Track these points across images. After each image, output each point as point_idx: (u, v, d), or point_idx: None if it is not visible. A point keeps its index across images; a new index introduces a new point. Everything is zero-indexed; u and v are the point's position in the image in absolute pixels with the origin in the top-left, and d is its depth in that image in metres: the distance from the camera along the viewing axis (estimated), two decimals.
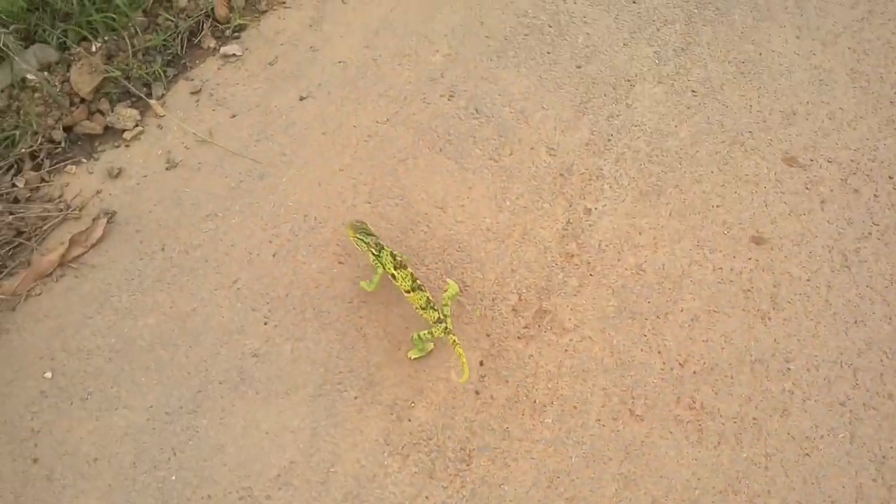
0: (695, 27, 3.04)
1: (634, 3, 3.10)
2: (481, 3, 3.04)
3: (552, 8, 3.04)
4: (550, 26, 3.00)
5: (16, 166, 2.44)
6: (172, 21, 2.77)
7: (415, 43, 2.91)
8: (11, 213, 2.31)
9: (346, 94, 2.75)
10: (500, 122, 2.72)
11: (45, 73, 2.59)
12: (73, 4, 2.62)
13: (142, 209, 2.44)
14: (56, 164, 2.50)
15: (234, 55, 2.83)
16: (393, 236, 2.41)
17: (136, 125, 2.61)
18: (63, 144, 2.54)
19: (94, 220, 2.37)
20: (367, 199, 2.49)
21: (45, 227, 2.31)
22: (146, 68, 2.70)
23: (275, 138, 2.64)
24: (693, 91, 2.86)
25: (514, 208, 2.50)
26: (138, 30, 2.74)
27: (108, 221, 2.36)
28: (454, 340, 2.03)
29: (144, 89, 2.69)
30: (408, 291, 2.10)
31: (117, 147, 2.59)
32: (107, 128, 2.60)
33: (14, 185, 2.39)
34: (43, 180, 2.47)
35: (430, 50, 2.90)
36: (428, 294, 2.09)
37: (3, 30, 2.55)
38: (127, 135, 2.59)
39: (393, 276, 2.12)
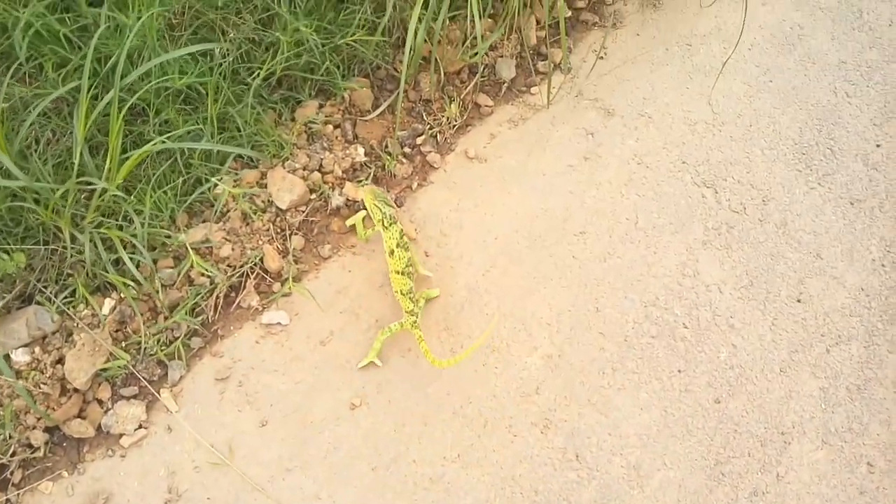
0: (877, 351, 2.30)
1: (799, 301, 2.36)
2: (599, 278, 2.35)
3: (691, 296, 2.33)
4: (686, 325, 2.29)
5: None
6: (210, 275, 2.17)
7: (508, 327, 2.25)
8: None
9: (409, 406, 2.12)
10: (606, 480, 2.05)
11: (34, 352, 2.03)
12: (84, 258, 2.05)
13: None
14: (29, 482, 1.94)
15: (278, 324, 2.22)
16: None
17: (140, 426, 2.03)
18: (42, 451, 1.97)
19: None
20: None
21: None
22: (165, 341, 2.12)
23: (310, 469, 2.02)
24: (870, 464, 2.13)
25: None
26: (163, 283, 2.15)
27: None
28: (420, 336, 2.08)
29: (158, 370, 2.11)
30: (398, 272, 2.14)
31: (111, 456, 2.01)
32: (100, 427, 2.03)
33: None
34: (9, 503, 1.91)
35: (526, 343, 2.24)
36: (412, 284, 2.14)
37: None
38: (125, 440, 2.02)
39: (391, 251, 2.16)
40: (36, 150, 2.15)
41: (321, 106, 2.54)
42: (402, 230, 2.19)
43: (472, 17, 2.46)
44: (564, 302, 2.30)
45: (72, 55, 2.16)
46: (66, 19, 2.23)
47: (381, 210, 2.19)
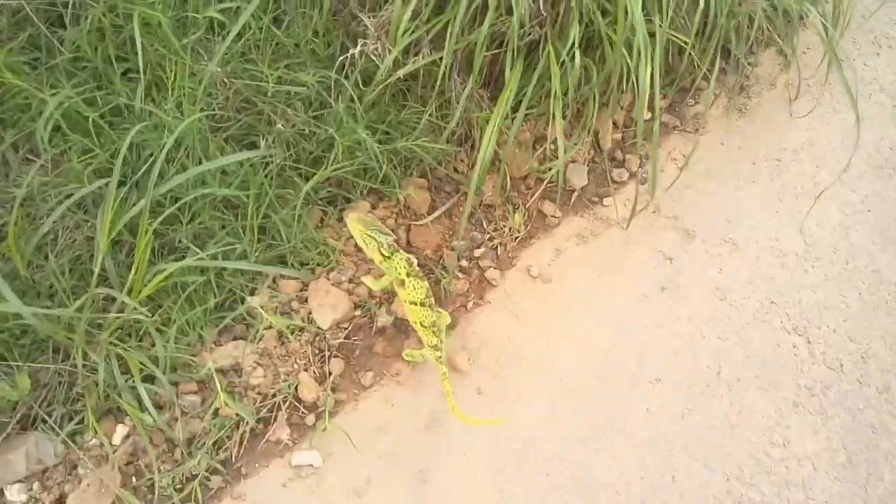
0: None
1: None
2: (676, 439, 2.06)
3: (780, 471, 2.03)
4: None
5: None
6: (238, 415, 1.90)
7: (570, 491, 1.95)
8: None
9: None
10: None
11: (32, 489, 1.75)
12: (96, 379, 1.77)
13: None
14: None
15: (309, 465, 1.93)
16: None
17: None
18: None
19: None
20: None
21: None
22: (181, 479, 1.84)
23: None
24: None
25: None
26: (184, 411, 1.87)
27: None
28: (444, 374, 1.90)
29: None
30: (414, 304, 1.94)
31: None
32: None
33: None
34: None
35: None
36: (435, 315, 1.95)
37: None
38: None
39: (402, 282, 1.95)
40: (52, 245, 1.88)
41: (373, 207, 2.28)
42: (408, 258, 1.95)
43: (553, 120, 2.20)
44: (634, 465, 2.00)
45: (99, 148, 1.90)
46: (98, 98, 1.99)
47: (375, 240, 1.96)
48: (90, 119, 1.89)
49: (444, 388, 1.91)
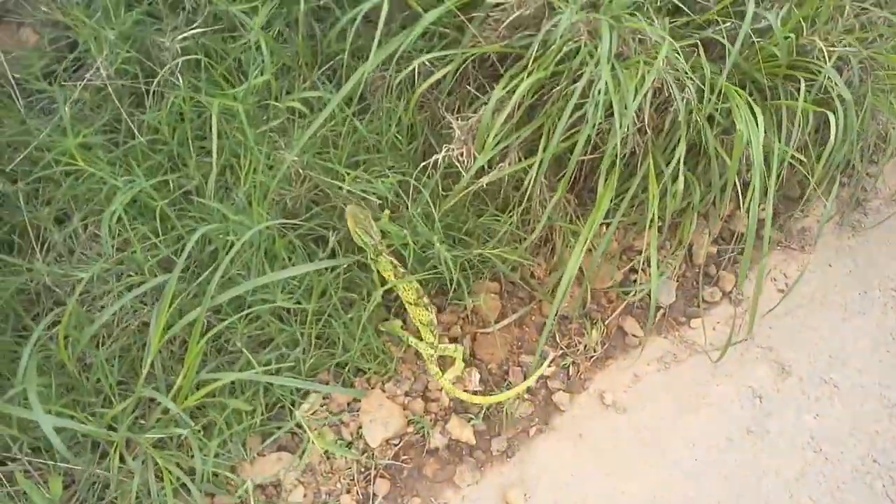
0: None
1: None
2: None
3: None
4: None
5: None
6: None
7: None
8: None
9: None
10: None
11: None
12: (130, 486, 1.68)
13: None
14: None
15: None
16: None
17: None
18: None
19: None
20: None
21: None
22: None
23: None
24: None
25: None
26: None
27: None
28: (437, 373, 1.96)
29: None
30: (409, 303, 1.97)
31: None
32: None
33: None
34: None
35: None
36: (433, 315, 1.98)
37: None
38: None
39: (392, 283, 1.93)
40: (105, 334, 1.82)
41: (440, 310, 2.13)
42: (392, 262, 1.92)
43: (646, 230, 2.00)
44: None
45: (164, 239, 1.83)
46: (170, 182, 1.92)
47: (361, 238, 1.91)
48: (158, 207, 1.81)
49: (430, 370, 1.97)
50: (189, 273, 1.84)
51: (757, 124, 1.71)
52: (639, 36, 1.81)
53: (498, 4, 1.92)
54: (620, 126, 1.66)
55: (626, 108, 1.74)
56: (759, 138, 1.71)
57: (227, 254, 1.70)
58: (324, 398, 1.94)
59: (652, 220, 1.94)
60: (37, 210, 1.86)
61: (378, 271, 1.95)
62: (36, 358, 1.61)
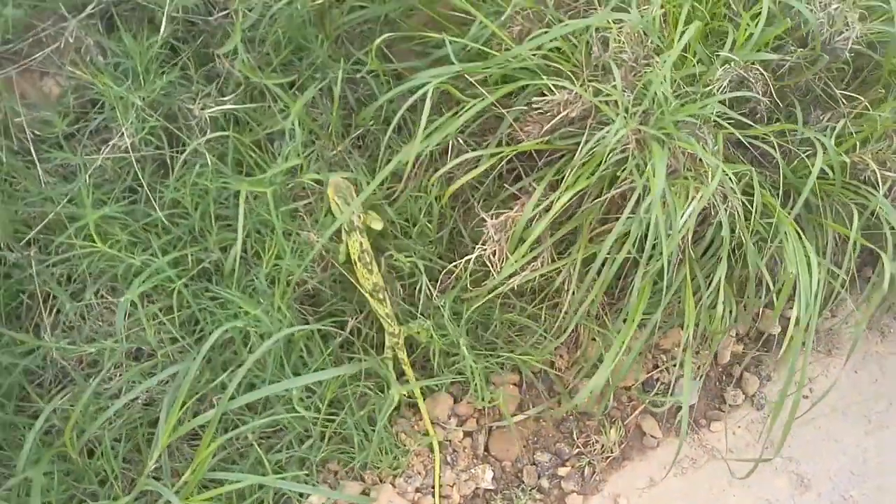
0: None
1: None
2: None
3: None
4: None
5: None
6: None
7: None
8: None
9: None
10: None
11: None
12: None
13: None
14: None
15: None
16: None
17: None
18: None
19: None
20: None
21: None
22: None
23: None
24: None
25: None
26: None
27: None
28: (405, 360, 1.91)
29: None
30: (369, 294, 1.85)
31: None
32: None
33: None
34: None
35: None
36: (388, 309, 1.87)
37: None
38: None
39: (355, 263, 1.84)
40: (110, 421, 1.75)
41: (455, 400, 2.07)
42: (361, 243, 1.83)
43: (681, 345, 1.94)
44: None
45: (179, 318, 1.76)
46: (188, 257, 1.85)
47: (339, 209, 1.81)
48: (175, 289, 1.74)
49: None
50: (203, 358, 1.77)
51: (809, 269, 1.64)
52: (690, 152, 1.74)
53: (541, 98, 1.85)
54: (665, 251, 1.59)
55: (670, 227, 1.67)
56: (810, 284, 1.64)
57: (247, 349, 1.63)
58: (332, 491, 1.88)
59: (684, 328, 1.88)
60: (49, 280, 1.79)
61: (347, 248, 1.87)
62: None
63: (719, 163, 1.59)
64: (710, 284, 1.86)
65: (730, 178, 1.66)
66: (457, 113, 1.87)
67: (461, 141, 1.93)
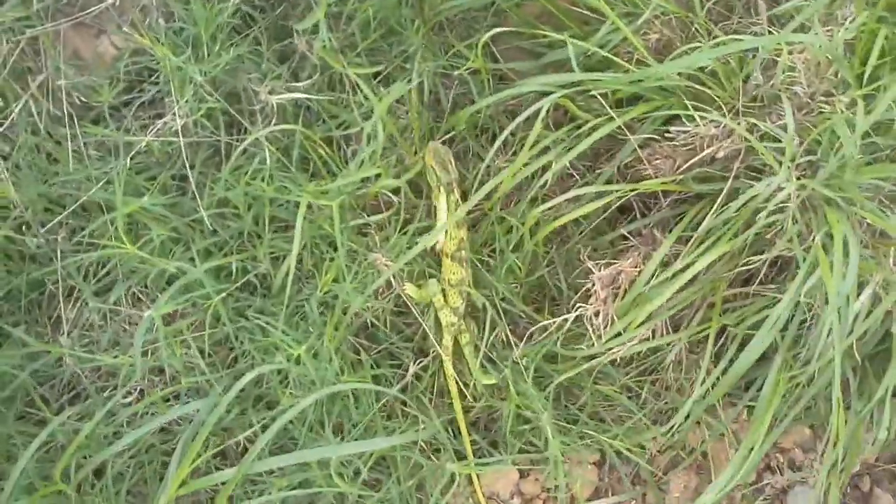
0: None
1: None
2: None
3: None
4: None
5: None
6: None
7: None
8: None
9: None
10: None
11: None
12: None
13: None
14: None
15: None
16: None
17: None
18: None
19: None
20: None
21: None
22: None
23: None
24: None
25: None
26: None
27: None
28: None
29: None
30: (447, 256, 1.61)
31: None
32: None
33: None
34: None
35: None
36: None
37: None
38: None
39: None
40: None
41: (522, 475, 1.74)
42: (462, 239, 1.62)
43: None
44: None
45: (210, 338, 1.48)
46: (233, 266, 1.57)
47: (437, 175, 1.62)
48: (212, 305, 1.46)
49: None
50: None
51: None
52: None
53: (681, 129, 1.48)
54: (838, 352, 1.21)
55: (839, 316, 1.28)
56: None
57: (284, 388, 1.34)
58: None
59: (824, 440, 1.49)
60: (75, 273, 1.54)
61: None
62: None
63: None
64: (865, 390, 1.46)
65: None
66: (570, 132, 1.53)
67: (568, 164, 1.58)
